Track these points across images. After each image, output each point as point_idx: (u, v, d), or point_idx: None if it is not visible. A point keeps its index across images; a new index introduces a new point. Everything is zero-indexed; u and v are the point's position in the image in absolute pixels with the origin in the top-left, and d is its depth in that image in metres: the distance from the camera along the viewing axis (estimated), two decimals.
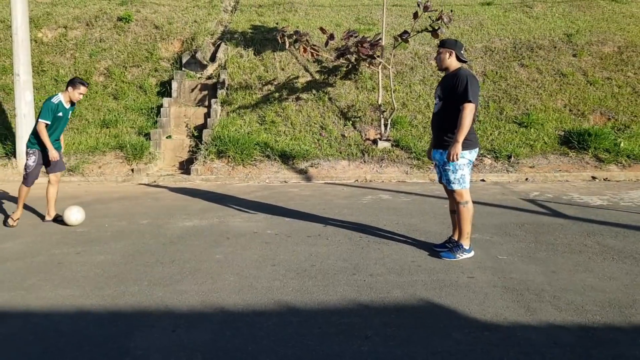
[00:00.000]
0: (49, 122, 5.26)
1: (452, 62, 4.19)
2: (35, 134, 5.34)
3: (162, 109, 9.98)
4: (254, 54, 10.92)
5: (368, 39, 9.14)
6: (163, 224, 5.49)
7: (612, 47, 10.92)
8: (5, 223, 5.44)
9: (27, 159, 5.39)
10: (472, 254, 4.35)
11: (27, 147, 5.43)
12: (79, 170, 8.60)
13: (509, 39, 11.35)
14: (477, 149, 4.27)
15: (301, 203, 6.49)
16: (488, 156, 8.57)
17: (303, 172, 8.42)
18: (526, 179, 7.90)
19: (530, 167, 8.28)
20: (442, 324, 3.17)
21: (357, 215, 5.86)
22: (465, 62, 4.24)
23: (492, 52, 10.98)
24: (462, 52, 4.18)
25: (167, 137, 9.75)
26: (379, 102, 9.42)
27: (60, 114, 5.36)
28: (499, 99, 9.87)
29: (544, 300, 3.49)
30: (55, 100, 5.32)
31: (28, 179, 5.41)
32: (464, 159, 4.13)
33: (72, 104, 5.49)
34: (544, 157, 8.50)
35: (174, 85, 10.42)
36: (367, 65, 9.88)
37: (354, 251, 4.51)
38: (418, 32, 9.22)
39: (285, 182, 8.12)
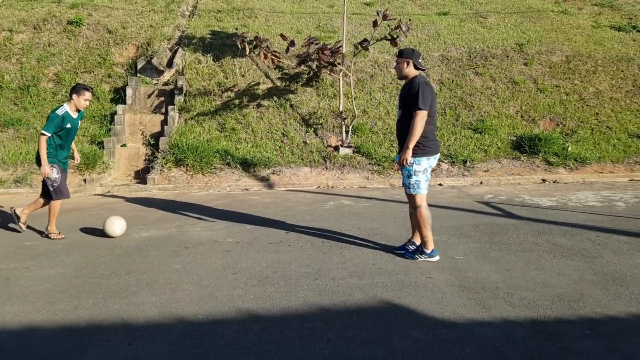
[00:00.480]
0: (49, 135, 5.05)
1: (410, 71, 4.28)
2: (48, 146, 5.11)
3: (116, 117, 9.74)
4: (213, 60, 10.83)
5: (329, 47, 9.24)
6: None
7: (561, 57, 11.44)
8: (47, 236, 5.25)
9: (50, 174, 5.12)
10: (436, 258, 4.37)
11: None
12: (26, 181, 8.26)
13: (465, 48, 11.71)
14: (436, 156, 4.32)
15: (263, 210, 6.47)
16: (445, 161, 8.80)
17: (265, 180, 8.40)
18: (481, 183, 8.14)
19: (485, 171, 8.54)
20: (402, 323, 3.22)
21: (319, 221, 5.89)
22: (422, 69, 4.34)
23: (449, 61, 11.29)
24: (419, 60, 4.28)
25: (121, 146, 9.52)
26: (340, 109, 9.52)
27: (69, 125, 5.15)
28: (455, 106, 10.16)
29: (499, 297, 3.60)
30: (60, 111, 5.09)
31: (61, 191, 5.21)
32: (420, 166, 4.21)
33: (79, 111, 5.30)
34: (497, 162, 8.80)
35: (129, 91, 10.19)
36: (328, 72, 9.98)
37: (316, 256, 4.53)
38: (378, 40, 9.39)
39: (247, 189, 8.08)
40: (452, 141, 9.33)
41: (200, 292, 3.72)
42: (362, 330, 3.13)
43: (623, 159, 8.75)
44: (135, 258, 4.57)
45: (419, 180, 4.25)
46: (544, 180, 8.18)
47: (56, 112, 5.10)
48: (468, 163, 8.72)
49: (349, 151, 9.17)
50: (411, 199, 4.34)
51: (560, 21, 13.30)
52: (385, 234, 5.27)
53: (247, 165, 8.66)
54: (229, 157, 8.73)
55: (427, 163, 4.25)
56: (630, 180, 8.21)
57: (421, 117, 4.05)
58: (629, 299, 3.50)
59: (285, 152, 9.09)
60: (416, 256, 4.40)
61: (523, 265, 4.23)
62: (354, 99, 9.70)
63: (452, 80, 10.75)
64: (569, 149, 8.91)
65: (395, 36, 8.81)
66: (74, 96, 5.17)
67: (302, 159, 8.96)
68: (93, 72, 10.71)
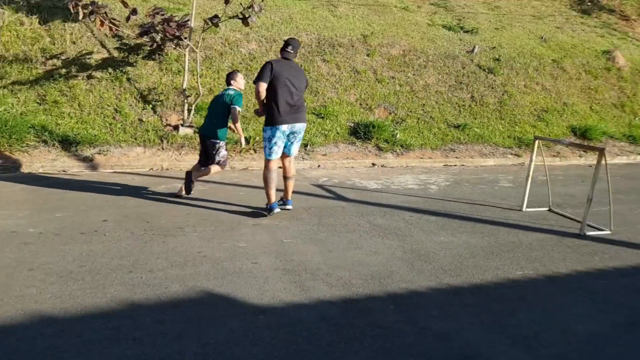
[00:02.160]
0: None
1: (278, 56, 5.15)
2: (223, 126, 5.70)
3: None
4: (40, 22, 9.42)
5: (176, 19, 8.65)
6: None
7: (398, 50, 12.30)
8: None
9: (222, 150, 5.84)
10: (276, 210, 5.19)
11: (221, 139, 5.76)
12: None
13: (315, 35, 11.93)
14: (276, 127, 4.91)
15: (80, 195, 5.81)
16: None
17: (88, 160, 7.59)
18: (319, 166, 8.43)
19: (324, 155, 8.86)
20: (219, 313, 3.14)
21: (145, 206, 5.50)
22: (285, 58, 5.07)
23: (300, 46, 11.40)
24: (286, 49, 5.08)
25: None
26: (184, 86, 9.01)
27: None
28: None
29: (318, 278, 3.73)
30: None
31: (225, 162, 5.97)
32: (265, 133, 4.99)
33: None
34: (335, 146, 9.18)
35: None
36: (174, 46, 9.36)
37: (134, 247, 4.20)
38: (230, 17, 9.05)
39: (64, 171, 7.21)
40: None
41: None
42: (174, 325, 2.98)
43: (441, 146, 9.77)
44: None
45: (264, 146, 5.03)
46: (373, 165, 8.76)
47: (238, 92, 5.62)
48: (309, 147, 8.94)
49: (189, 131, 8.77)
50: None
51: (401, 17, 14.28)
52: (218, 219, 5.13)
53: (68, 144, 7.73)
54: (46, 133, 7.71)
55: (269, 133, 4.93)
56: (445, 165, 9.21)
57: (256, 90, 4.90)
58: (429, 274, 3.89)
59: (117, 129, 8.33)
60: (266, 213, 5.19)
61: (344, 246, 4.44)
62: (200, 76, 9.27)
63: (301, 66, 10.90)
64: (397, 136, 9.66)
65: (247, 15, 8.58)
66: (238, 79, 5.81)
67: (136, 138, 8.31)
68: None
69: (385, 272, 3.89)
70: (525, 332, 3.05)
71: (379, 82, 11.13)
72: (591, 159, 10.19)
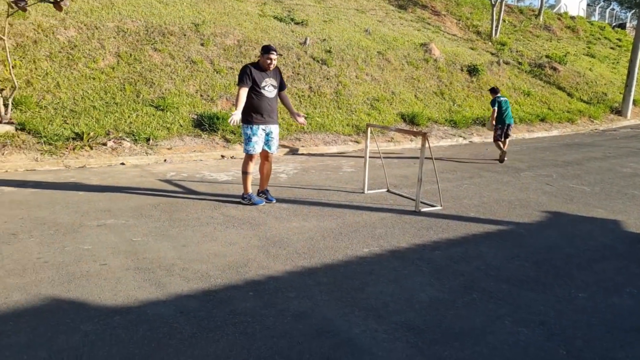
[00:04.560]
0: None
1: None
2: None
3: None
4: None
5: None
6: None
7: (233, 40, 12.31)
8: None
9: None
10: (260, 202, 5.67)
11: None
12: None
13: (141, 22, 11.32)
14: (255, 127, 5.36)
15: None
16: (127, 139, 8.41)
17: None
18: (165, 160, 8.14)
19: (169, 148, 8.57)
20: (69, 319, 2.96)
21: None
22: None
23: (125, 33, 10.72)
24: (263, 53, 5.36)
25: None
26: None
27: None
28: (135, 82, 9.77)
29: (174, 273, 3.69)
30: None
31: None
32: (245, 132, 5.41)
33: None
34: (180, 139, 8.94)
35: None
36: None
37: None
38: (40, 1, 8.10)
39: None
40: (134, 118, 8.98)
41: None
42: (20, 335, 2.74)
43: (286, 135, 10.14)
44: None
45: (244, 142, 5.46)
46: (222, 157, 8.76)
47: None
48: (151, 141, 8.57)
49: (10, 128, 7.77)
50: None
51: (232, 6, 14.28)
52: (56, 222, 4.71)
53: None
54: None
55: (248, 132, 5.37)
56: (292, 154, 9.60)
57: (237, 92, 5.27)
58: (285, 259, 4.10)
59: None
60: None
61: (199, 239, 4.44)
62: (13, 67, 8.21)
63: (130, 55, 10.30)
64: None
65: None
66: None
67: None
68: None
69: (242, 261, 4.00)
70: (375, 304, 3.39)
71: (217, 72, 11.08)
72: (421, 143, 11.51)
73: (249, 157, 5.47)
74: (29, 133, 7.87)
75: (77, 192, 5.86)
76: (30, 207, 5.20)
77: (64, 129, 8.11)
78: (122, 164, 7.79)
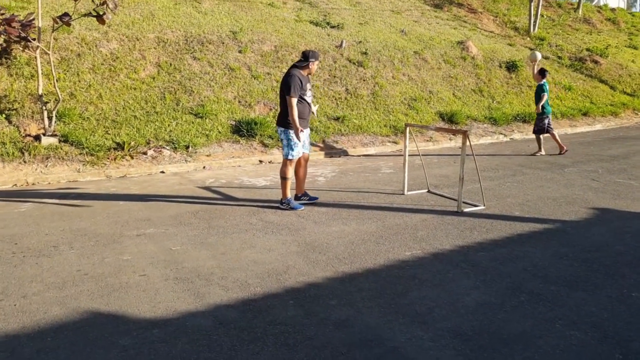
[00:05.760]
0: None
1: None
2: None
3: None
4: None
5: (18, 18, 7.75)
6: None
7: (270, 46, 12.33)
8: None
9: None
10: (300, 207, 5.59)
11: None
12: None
13: (181, 32, 11.50)
14: (300, 132, 5.36)
15: None
16: (167, 147, 8.51)
17: None
18: (204, 168, 8.18)
19: (207, 155, 8.62)
20: (107, 333, 2.92)
21: (10, 227, 4.91)
22: (298, 66, 5.54)
23: (165, 44, 10.90)
24: (313, 59, 5.54)
25: None
26: (40, 91, 8.15)
27: None
28: (174, 91, 9.90)
29: (213, 283, 3.62)
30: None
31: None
32: (288, 137, 5.42)
33: None
34: (219, 146, 8.98)
35: None
36: (22, 48, 8.41)
37: (3, 272, 3.75)
38: (83, 15, 8.33)
39: None
40: (174, 126, 9.09)
41: None
42: (58, 352, 2.71)
43: (324, 138, 10.03)
44: None
45: (284, 147, 5.50)
46: (260, 162, 8.73)
47: None
48: (191, 148, 8.64)
49: (54, 140, 7.98)
50: None
51: (268, 13, 14.33)
52: (96, 233, 4.74)
53: None
54: None
55: (295, 137, 5.41)
56: (330, 157, 9.47)
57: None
58: (325, 265, 3.97)
59: None
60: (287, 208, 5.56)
61: (238, 247, 4.37)
62: (57, 80, 8.46)
63: (170, 64, 10.45)
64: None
65: (101, 12, 7.97)
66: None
67: None
68: None
69: (281, 268, 3.89)
70: (419, 309, 3.23)
71: (255, 78, 11.09)
72: (460, 141, 11.16)
73: (289, 162, 5.42)
74: (71, 144, 8.06)
75: (118, 202, 5.93)
76: (71, 218, 5.27)
77: (106, 139, 8.27)
78: (162, 172, 7.87)
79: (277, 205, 5.66)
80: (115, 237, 4.61)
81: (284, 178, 5.47)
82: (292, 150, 5.40)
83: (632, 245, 4.43)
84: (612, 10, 27.05)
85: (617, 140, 11.20)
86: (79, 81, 9.27)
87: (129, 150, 8.08)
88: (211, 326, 3.00)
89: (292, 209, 5.52)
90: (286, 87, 5.27)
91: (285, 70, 11.75)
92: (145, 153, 8.22)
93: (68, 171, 7.55)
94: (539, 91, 9.31)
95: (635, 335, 2.91)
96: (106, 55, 9.99)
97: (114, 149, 8.11)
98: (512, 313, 3.19)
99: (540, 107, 9.21)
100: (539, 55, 9.19)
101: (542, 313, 3.18)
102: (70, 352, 2.71)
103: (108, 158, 7.88)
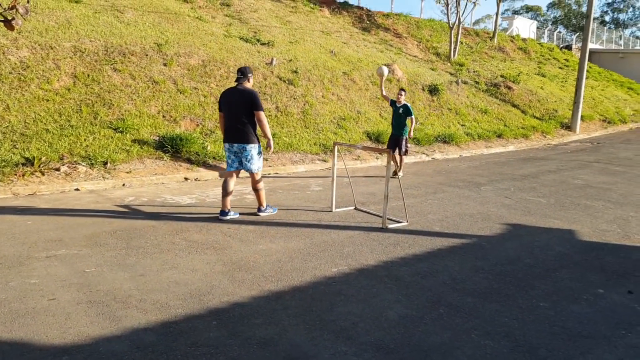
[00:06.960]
0: None
1: None
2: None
3: None
4: None
5: None
6: None
7: (198, 60, 12.10)
8: None
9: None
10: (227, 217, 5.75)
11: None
12: None
13: (100, 42, 10.99)
14: (226, 144, 5.76)
15: None
16: (83, 163, 8.01)
17: None
18: (123, 185, 7.77)
19: (127, 172, 8.21)
20: None
21: None
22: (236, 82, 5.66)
23: (83, 53, 10.36)
24: (241, 77, 5.64)
25: None
26: None
27: None
28: (92, 103, 9.40)
29: (131, 306, 3.41)
30: None
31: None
32: (259, 151, 5.79)
33: None
34: (140, 162, 8.59)
35: None
36: None
37: None
38: None
39: None
40: (91, 141, 8.60)
41: None
42: None
43: None
44: None
45: (255, 161, 5.77)
46: (186, 179, 8.45)
47: None
48: (109, 164, 8.19)
49: None
50: None
51: (196, 26, 14.11)
52: (0, 254, 4.33)
53: None
54: None
55: (260, 149, 5.81)
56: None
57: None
58: (251, 284, 3.88)
59: None
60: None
61: (158, 267, 4.16)
62: None
63: (88, 75, 9.93)
64: (208, 148, 9.51)
65: (10, 17, 7.43)
66: None
67: None
68: None
69: (205, 289, 3.75)
70: (344, 325, 3.24)
71: (181, 92, 10.82)
72: (386, 160, 11.49)
73: (258, 174, 5.80)
74: None
75: (25, 221, 5.47)
76: None
77: (13, 154, 7.65)
78: (77, 189, 7.39)
79: (202, 224, 5.48)
80: (22, 259, 4.23)
81: (259, 190, 5.86)
82: (260, 162, 5.77)
83: (541, 258, 4.74)
84: (524, 40, 29.50)
85: (528, 161, 12.05)
86: None
87: (39, 166, 7.52)
88: (127, 351, 2.81)
89: (272, 212, 6.06)
90: (253, 104, 5.53)
91: (212, 86, 11.63)
92: (58, 169, 7.69)
93: None
94: (407, 113, 9.16)
95: (542, 343, 3.09)
96: (15, 63, 9.33)
97: (23, 164, 7.51)
98: (432, 325, 3.29)
99: (412, 132, 9.47)
100: (385, 70, 8.55)
101: (460, 324, 3.31)
102: None
103: (15, 174, 7.28)
